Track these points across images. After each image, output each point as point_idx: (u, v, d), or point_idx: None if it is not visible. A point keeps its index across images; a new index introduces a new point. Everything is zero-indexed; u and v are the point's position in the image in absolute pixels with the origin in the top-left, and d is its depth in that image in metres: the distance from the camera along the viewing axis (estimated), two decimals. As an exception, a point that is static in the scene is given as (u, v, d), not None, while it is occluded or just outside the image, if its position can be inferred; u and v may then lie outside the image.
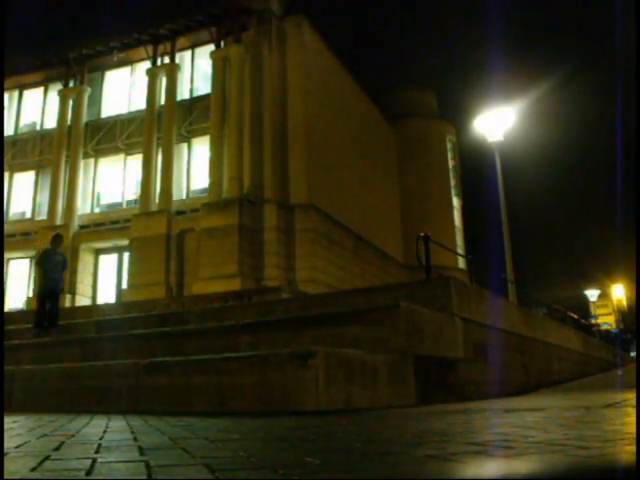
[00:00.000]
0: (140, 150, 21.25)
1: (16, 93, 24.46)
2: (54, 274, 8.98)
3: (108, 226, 21.18)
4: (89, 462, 1.69)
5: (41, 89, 24.38)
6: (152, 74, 21.75)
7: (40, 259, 9.28)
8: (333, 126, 22.21)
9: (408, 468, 1.56)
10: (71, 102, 22.89)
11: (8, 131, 23.56)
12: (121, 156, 22.12)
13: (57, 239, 9.61)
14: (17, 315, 14.95)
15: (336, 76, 23.59)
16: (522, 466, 1.53)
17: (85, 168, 22.37)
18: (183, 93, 21.86)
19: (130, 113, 22.28)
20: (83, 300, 20.63)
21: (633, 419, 2.92)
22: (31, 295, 21.08)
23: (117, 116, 22.49)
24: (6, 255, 21.82)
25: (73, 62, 22.78)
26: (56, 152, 22.35)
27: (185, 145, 21.23)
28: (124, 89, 22.94)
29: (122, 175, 21.96)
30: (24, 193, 23.12)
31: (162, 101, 21.57)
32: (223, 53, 20.67)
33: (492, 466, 1.58)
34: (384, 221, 27.12)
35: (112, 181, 22.19)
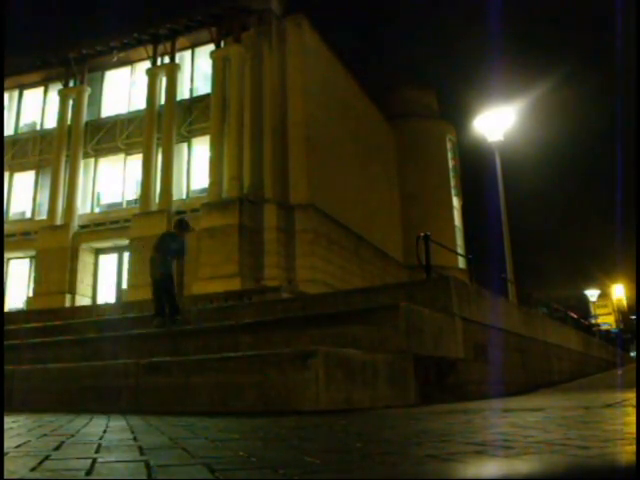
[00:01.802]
0: (140, 150, 21.24)
1: (16, 93, 24.45)
2: (163, 260, 8.18)
3: (108, 226, 21.17)
4: (89, 462, 1.69)
5: (41, 89, 24.37)
6: (152, 74, 21.75)
7: (155, 243, 8.51)
8: (333, 126, 22.20)
9: (408, 468, 1.56)
10: (71, 102, 22.88)
11: (8, 131, 23.54)
12: (121, 156, 22.12)
13: (179, 224, 8.64)
14: (17, 315, 14.95)
15: (336, 76, 23.59)
16: (522, 466, 1.53)
17: (85, 168, 22.36)
18: (183, 93, 21.85)
19: (130, 113, 22.27)
20: (83, 300, 20.63)
21: (633, 419, 2.92)
22: (31, 295, 21.12)
23: (117, 116, 22.48)
24: (6, 255, 21.81)
25: (73, 62, 22.77)
26: (56, 152, 22.34)
27: (185, 145, 21.22)
28: (124, 89, 22.93)
29: (122, 175, 21.95)
30: (24, 193, 23.11)
31: (162, 101, 21.56)
32: (223, 53, 20.67)
33: (492, 466, 1.58)
34: (384, 221, 27.12)
35: (112, 181, 22.18)
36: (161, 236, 8.75)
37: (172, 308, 8.08)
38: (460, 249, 29.30)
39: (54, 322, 10.42)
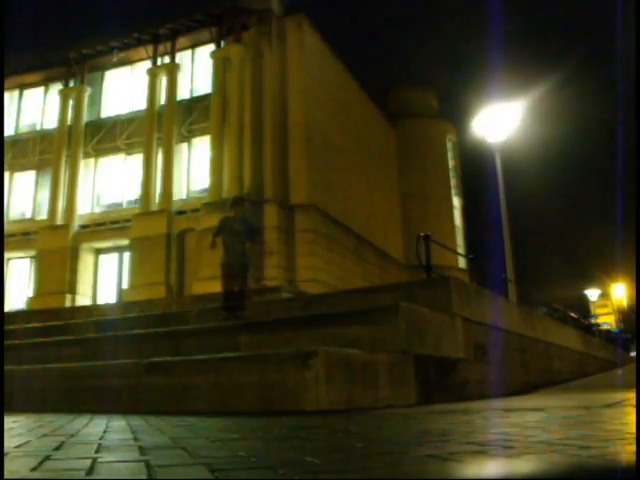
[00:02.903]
0: (140, 150, 21.25)
1: (16, 93, 24.46)
2: (234, 246, 7.37)
3: (108, 226, 21.18)
4: (89, 462, 1.69)
5: (41, 89, 24.38)
6: (152, 74, 21.75)
7: (216, 230, 7.66)
8: (333, 126, 22.21)
9: (408, 468, 1.56)
10: (71, 102, 22.90)
11: (8, 131, 23.54)
12: (121, 156, 22.13)
13: (235, 203, 7.84)
14: (17, 315, 14.95)
15: (336, 76, 23.59)
16: (523, 466, 1.53)
17: (85, 168, 22.37)
18: (183, 93, 21.85)
19: (130, 113, 22.28)
20: (83, 300, 20.64)
21: (633, 419, 2.92)
22: (31, 295, 21.12)
23: (117, 116, 22.50)
24: (6, 255, 21.82)
25: (73, 62, 22.78)
26: (56, 152, 22.35)
27: (185, 145, 21.23)
28: (124, 89, 22.94)
29: (122, 175, 21.97)
30: (24, 193, 23.13)
31: (162, 101, 21.57)
32: (223, 53, 20.67)
33: (493, 466, 1.58)
34: (384, 221, 27.12)
35: (112, 181, 22.20)
36: (221, 221, 7.89)
37: (241, 301, 7.38)
38: (460, 249, 29.29)
39: (54, 322, 10.42)
